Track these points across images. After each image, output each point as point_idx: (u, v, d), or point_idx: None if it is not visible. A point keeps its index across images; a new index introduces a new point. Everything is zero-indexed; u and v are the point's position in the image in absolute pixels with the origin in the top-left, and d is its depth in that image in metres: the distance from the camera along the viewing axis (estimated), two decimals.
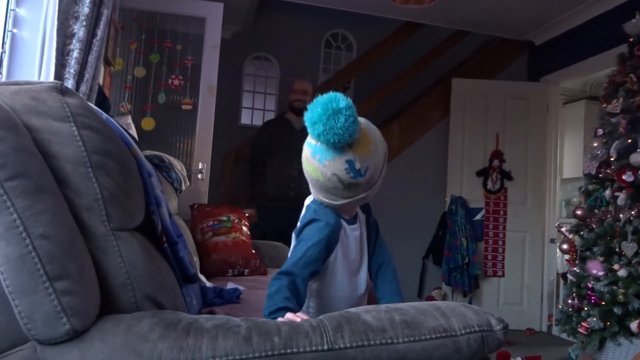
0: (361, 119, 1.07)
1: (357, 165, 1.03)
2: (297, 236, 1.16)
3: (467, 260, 4.08)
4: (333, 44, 5.24)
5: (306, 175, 1.13)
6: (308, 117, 1.03)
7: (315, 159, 1.07)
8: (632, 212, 2.83)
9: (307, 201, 1.21)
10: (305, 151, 1.10)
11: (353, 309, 1.01)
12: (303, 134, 1.12)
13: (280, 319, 0.99)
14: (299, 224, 1.18)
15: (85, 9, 1.82)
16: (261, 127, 3.84)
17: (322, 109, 1.00)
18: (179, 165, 2.86)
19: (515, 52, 4.76)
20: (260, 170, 3.48)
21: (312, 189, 1.17)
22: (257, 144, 3.56)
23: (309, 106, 1.03)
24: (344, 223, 1.18)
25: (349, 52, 5.23)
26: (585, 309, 2.98)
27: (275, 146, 3.43)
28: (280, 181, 3.41)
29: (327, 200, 1.13)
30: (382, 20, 4.53)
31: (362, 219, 1.28)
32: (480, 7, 3.99)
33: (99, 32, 1.92)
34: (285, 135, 3.40)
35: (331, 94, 1.01)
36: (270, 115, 5.02)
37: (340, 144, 1.01)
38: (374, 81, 4.80)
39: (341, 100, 1.00)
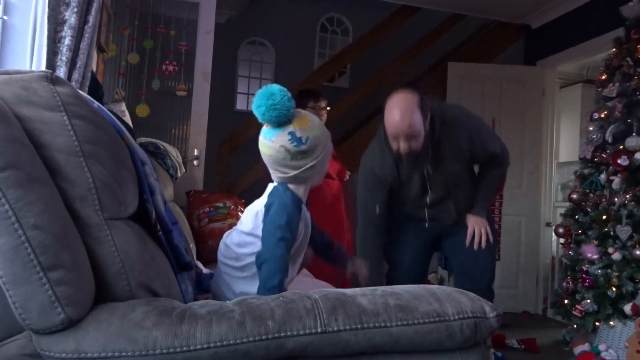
0: (302, 110, 1.34)
1: (298, 135, 1.28)
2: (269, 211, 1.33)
3: None
4: (329, 28, 5.19)
5: (263, 157, 1.36)
6: (253, 104, 1.27)
7: (266, 138, 1.31)
8: (627, 196, 2.84)
9: (269, 188, 1.39)
10: (259, 139, 1.34)
11: (349, 291, 1.02)
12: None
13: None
14: (266, 201, 1.36)
15: None
16: None
17: (261, 95, 1.25)
18: (174, 152, 2.85)
19: (512, 36, 4.73)
20: None
21: (270, 169, 1.38)
22: None
23: (255, 97, 1.27)
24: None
25: (344, 37, 5.18)
26: (580, 292, 3.01)
27: None
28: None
29: (282, 175, 1.34)
30: (378, 3, 4.48)
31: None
32: None
33: (91, 19, 1.89)
34: None
35: (268, 85, 1.27)
36: None
37: (280, 119, 1.26)
38: (370, 65, 4.77)
39: (275, 87, 1.26)
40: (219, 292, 1.49)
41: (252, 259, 1.34)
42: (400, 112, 2.01)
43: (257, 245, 1.33)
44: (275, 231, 1.28)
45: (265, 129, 1.32)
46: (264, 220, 1.32)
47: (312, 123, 1.31)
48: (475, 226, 2.31)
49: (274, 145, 1.29)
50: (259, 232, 1.33)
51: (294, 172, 1.32)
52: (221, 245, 1.49)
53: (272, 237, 1.28)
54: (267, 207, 1.33)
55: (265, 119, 1.27)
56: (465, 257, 2.44)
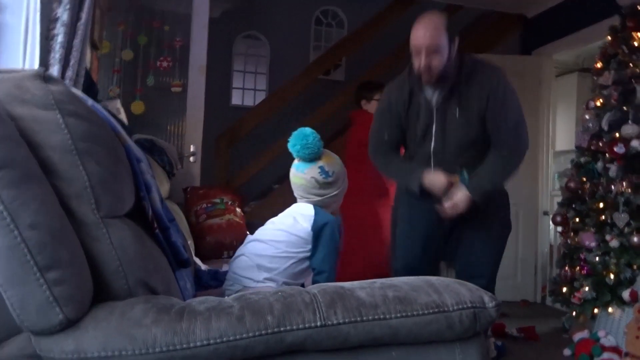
0: (326, 150, 1.63)
1: (326, 169, 1.57)
2: (321, 234, 1.54)
3: None
4: (324, 21, 5.17)
5: (293, 186, 1.62)
6: (289, 144, 1.56)
7: (298, 171, 1.59)
8: (624, 184, 2.85)
9: (303, 207, 1.60)
10: (292, 171, 1.62)
11: (347, 284, 1.02)
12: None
13: None
14: (311, 223, 1.55)
15: None
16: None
17: (296, 136, 1.54)
18: (170, 149, 2.85)
19: (508, 26, 4.72)
20: None
21: (298, 196, 1.63)
22: None
23: (291, 137, 1.57)
24: None
25: (340, 29, 5.17)
26: (578, 279, 3.02)
27: None
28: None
29: (311, 197, 1.59)
30: None
31: None
32: None
33: (83, 15, 1.88)
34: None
35: (301, 128, 1.57)
36: (262, 95, 4.97)
37: (312, 156, 1.55)
38: (365, 58, 4.76)
39: (307, 130, 1.55)
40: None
41: (292, 253, 1.52)
42: (425, 26, 2.10)
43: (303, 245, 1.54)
44: (333, 255, 1.54)
45: (297, 163, 1.60)
46: (324, 239, 1.53)
47: (335, 160, 1.61)
48: (455, 204, 2.12)
49: (306, 176, 1.57)
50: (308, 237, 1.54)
51: (319, 199, 1.59)
52: (249, 248, 1.58)
53: (333, 257, 1.54)
54: (321, 226, 1.53)
55: (299, 156, 1.55)
56: (465, 262, 2.31)
